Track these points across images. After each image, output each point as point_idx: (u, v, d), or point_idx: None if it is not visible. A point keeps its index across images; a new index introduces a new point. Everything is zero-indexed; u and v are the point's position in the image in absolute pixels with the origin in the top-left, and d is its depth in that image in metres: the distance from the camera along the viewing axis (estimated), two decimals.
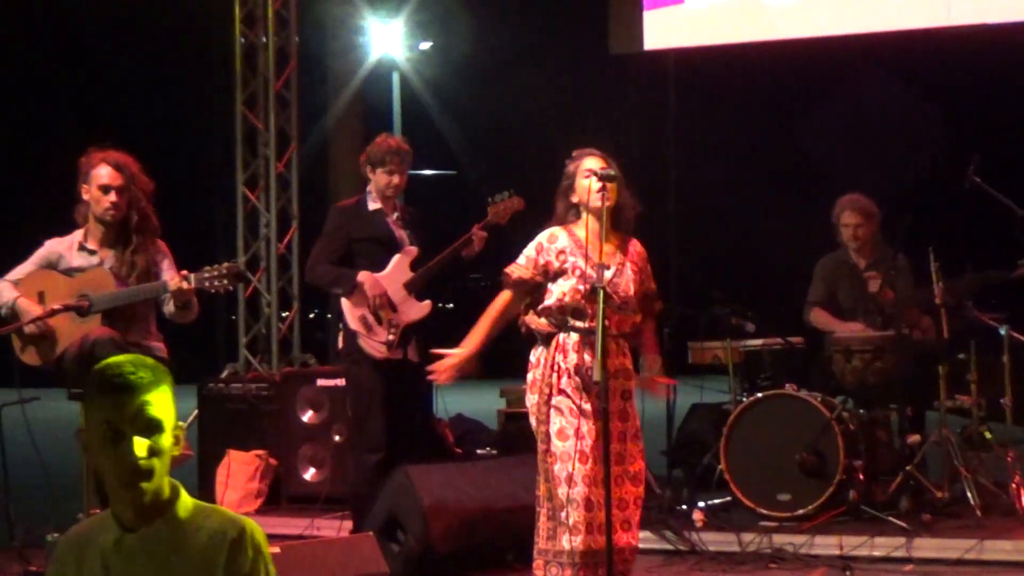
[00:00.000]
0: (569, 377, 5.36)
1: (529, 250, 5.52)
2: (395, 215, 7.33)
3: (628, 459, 5.40)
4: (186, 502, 3.17)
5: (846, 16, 9.95)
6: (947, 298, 7.50)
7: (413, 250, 7.31)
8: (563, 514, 5.30)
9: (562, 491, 5.30)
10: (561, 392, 5.35)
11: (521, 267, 5.50)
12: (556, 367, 5.40)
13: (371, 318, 7.13)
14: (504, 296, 5.57)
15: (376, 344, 7.11)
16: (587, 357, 5.32)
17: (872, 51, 11.56)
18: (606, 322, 5.16)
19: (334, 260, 7.23)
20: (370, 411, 7.12)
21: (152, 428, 3.09)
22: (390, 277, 7.19)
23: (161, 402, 3.11)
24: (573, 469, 5.28)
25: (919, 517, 7.08)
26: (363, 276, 7.12)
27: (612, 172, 5.40)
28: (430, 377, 5.65)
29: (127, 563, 3.12)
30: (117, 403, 3.09)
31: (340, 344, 7.32)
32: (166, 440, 3.11)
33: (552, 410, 5.39)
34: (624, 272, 5.44)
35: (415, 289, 7.26)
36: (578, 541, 5.25)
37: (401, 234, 7.32)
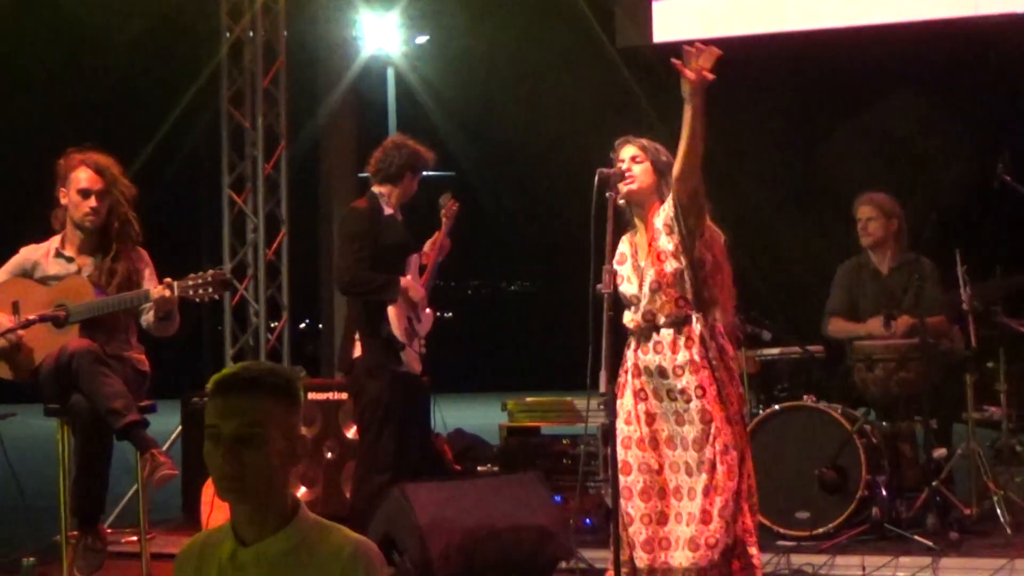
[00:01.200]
0: (634, 376, 5.53)
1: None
2: (400, 221, 7.41)
3: (678, 469, 5.45)
4: (306, 518, 3.24)
5: (868, 7, 9.98)
6: (975, 304, 7.52)
7: (417, 258, 7.40)
8: (620, 527, 5.43)
9: (623, 504, 5.44)
10: (630, 394, 5.51)
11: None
12: (624, 366, 5.58)
13: (410, 329, 7.18)
14: None
15: (415, 356, 7.18)
16: (640, 353, 5.50)
17: (898, 46, 11.57)
18: (636, 318, 5.52)
19: (367, 268, 7.18)
20: (384, 428, 7.13)
21: (250, 436, 3.14)
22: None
23: (270, 412, 3.16)
24: (627, 480, 5.45)
25: (946, 535, 7.09)
26: (406, 282, 7.17)
27: (617, 170, 5.50)
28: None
29: None
30: (219, 405, 3.15)
31: (357, 353, 7.24)
32: (270, 452, 3.15)
33: (616, 413, 5.49)
34: (650, 255, 5.55)
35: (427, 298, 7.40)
36: (624, 556, 5.39)
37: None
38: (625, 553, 5.48)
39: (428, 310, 7.44)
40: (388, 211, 7.30)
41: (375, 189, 7.34)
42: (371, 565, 3.19)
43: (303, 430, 8.51)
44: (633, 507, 5.46)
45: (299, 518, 3.22)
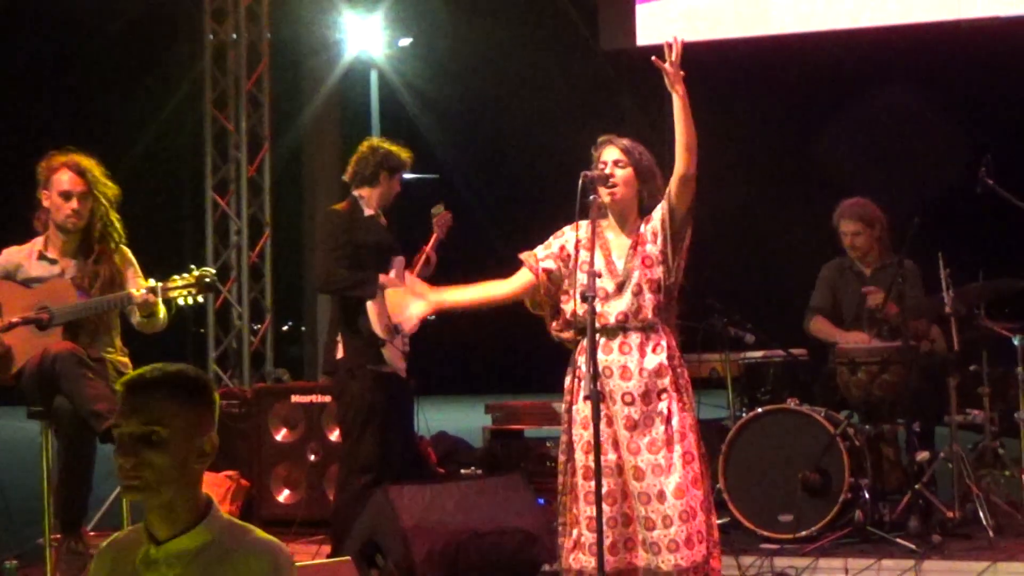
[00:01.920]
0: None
1: (540, 248, 5.66)
2: (382, 222, 7.41)
3: (651, 472, 5.43)
4: (218, 518, 3.26)
5: (850, 10, 10.01)
6: (958, 306, 7.53)
7: (402, 260, 7.42)
8: (575, 532, 5.43)
9: (582, 509, 5.42)
10: (583, 399, 5.42)
11: (531, 254, 5.64)
12: (576, 372, 5.49)
13: (390, 324, 7.18)
14: (502, 284, 5.71)
15: (398, 354, 7.18)
16: (601, 352, 5.40)
17: (881, 49, 11.61)
18: (604, 319, 5.39)
19: (344, 267, 7.22)
20: (366, 429, 7.14)
21: (147, 435, 3.17)
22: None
23: (170, 412, 3.19)
24: (580, 486, 5.41)
25: (929, 538, 7.10)
26: (385, 279, 7.17)
27: (601, 173, 5.50)
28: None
29: None
30: (123, 405, 3.21)
31: (340, 354, 7.26)
32: (169, 452, 3.17)
33: (572, 419, 5.46)
34: (635, 259, 5.51)
35: None
36: (590, 563, 5.36)
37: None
38: (577, 561, 5.45)
39: None
40: (369, 212, 7.33)
41: (355, 192, 7.39)
42: (280, 568, 3.21)
43: (288, 433, 8.57)
44: (584, 511, 5.42)
45: (210, 518, 3.25)
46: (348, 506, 7.13)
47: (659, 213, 5.52)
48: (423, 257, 7.53)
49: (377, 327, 7.14)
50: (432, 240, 7.60)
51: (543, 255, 5.63)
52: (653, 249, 5.51)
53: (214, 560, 3.18)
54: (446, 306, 5.79)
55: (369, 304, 7.14)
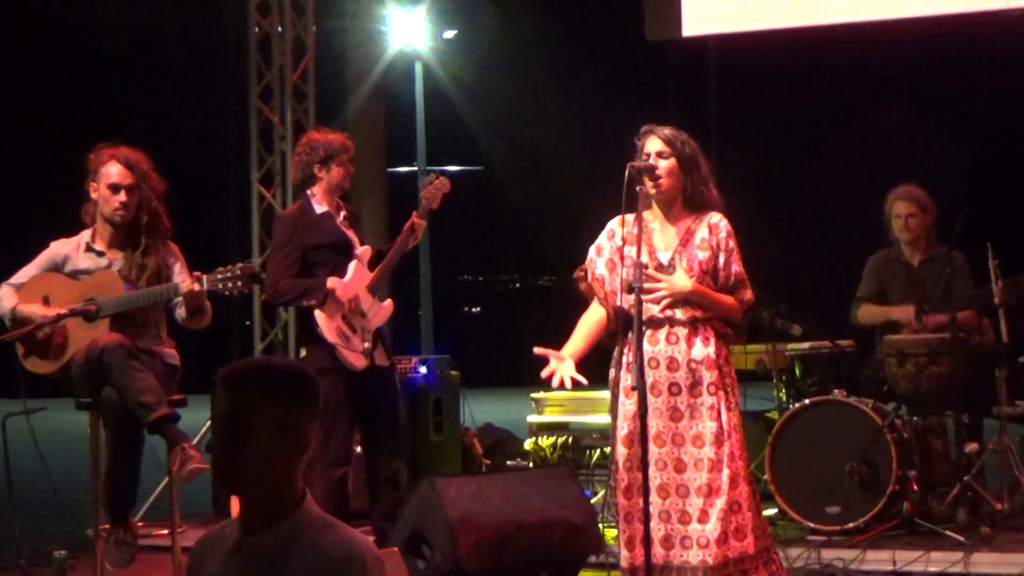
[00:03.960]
0: (629, 372, 5.39)
1: (591, 251, 5.64)
2: (341, 215, 7.38)
3: (692, 466, 5.42)
4: (308, 514, 3.24)
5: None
6: (1007, 297, 7.50)
7: (368, 250, 7.39)
8: (620, 527, 5.44)
9: (624, 502, 5.42)
10: (623, 391, 5.42)
11: (581, 278, 5.67)
12: (620, 363, 5.49)
13: (346, 328, 7.17)
14: (591, 311, 5.68)
15: (355, 354, 7.15)
16: (648, 344, 5.39)
17: (928, 37, 11.56)
18: (651, 308, 5.37)
19: (294, 273, 7.20)
20: (336, 426, 7.20)
21: (228, 431, 3.18)
22: (354, 282, 7.24)
23: (255, 407, 3.17)
24: (629, 479, 5.39)
25: (977, 530, 7.09)
26: (333, 283, 7.12)
27: (647, 164, 5.47)
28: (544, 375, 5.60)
29: (240, 567, 3.23)
30: (216, 398, 3.28)
31: (304, 357, 7.35)
32: (254, 446, 3.16)
33: (620, 412, 5.46)
34: (684, 254, 5.49)
35: (377, 291, 7.35)
36: (623, 557, 5.38)
37: (351, 235, 7.38)
38: (625, 559, 5.43)
39: (388, 301, 7.43)
40: (320, 210, 7.28)
41: (307, 192, 7.36)
42: (367, 567, 3.19)
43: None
44: (634, 506, 5.41)
45: (300, 513, 3.23)
46: (328, 499, 7.21)
47: (711, 230, 5.54)
48: (408, 226, 7.44)
49: (327, 333, 7.13)
50: (419, 210, 7.49)
51: (597, 262, 5.62)
52: (702, 255, 5.47)
53: (298, 556, 3.17)
54: (578, 358, 5.63)
55: (317, 312, 7.13)
